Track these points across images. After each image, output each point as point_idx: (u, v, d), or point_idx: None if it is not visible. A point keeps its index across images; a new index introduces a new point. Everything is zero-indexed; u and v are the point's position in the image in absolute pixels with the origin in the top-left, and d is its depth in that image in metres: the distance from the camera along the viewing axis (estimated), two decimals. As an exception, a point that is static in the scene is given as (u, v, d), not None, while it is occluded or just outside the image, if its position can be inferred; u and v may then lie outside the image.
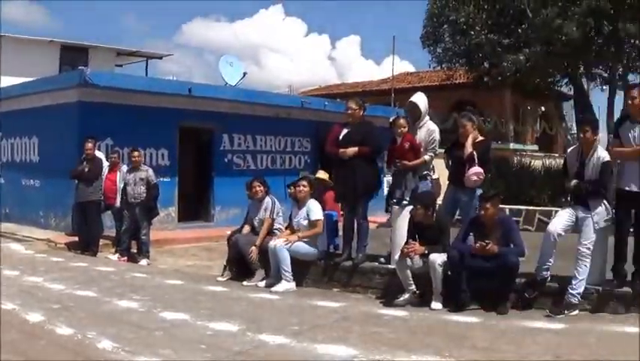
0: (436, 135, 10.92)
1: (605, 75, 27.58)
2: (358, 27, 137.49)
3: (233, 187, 17.04)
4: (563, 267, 9.46)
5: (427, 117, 11.10)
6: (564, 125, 37.44)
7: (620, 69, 26.28)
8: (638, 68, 26.51)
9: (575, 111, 28.20)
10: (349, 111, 11.18)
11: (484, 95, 33.62)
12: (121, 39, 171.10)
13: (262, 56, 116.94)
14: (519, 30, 24.57)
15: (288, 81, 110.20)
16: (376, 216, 15.22)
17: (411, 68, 55.80)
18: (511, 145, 37.03)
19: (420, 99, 11.06)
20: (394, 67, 35.84)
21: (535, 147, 40.02)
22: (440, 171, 11.26)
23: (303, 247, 11.29)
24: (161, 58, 37.86)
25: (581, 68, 26.72)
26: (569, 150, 9.99)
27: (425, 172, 10.82)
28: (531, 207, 16.19)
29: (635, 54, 25.75)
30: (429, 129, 10.93)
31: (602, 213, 9.24)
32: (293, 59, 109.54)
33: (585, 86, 28.79)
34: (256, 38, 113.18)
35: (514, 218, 15.76)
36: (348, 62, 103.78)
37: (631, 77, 26.86)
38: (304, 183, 11.63)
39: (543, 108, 41.27)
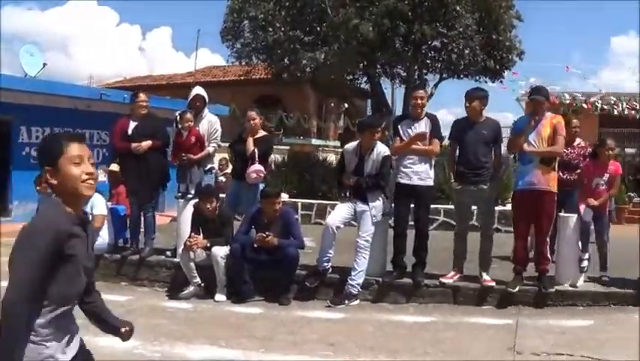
0: (218, 126, 11.06)
1: (404, 75, 28.29)
2: (170, 18, 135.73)
3: (31, 181, 16.56)
4: (349, 260, 9.71)
5: (207, 109, 11.19)
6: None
7: (417, 69, 27.03)
8: (436, 69, 27.33)
9: (372, 109, 28.90)
10: (144, 103, 11.05)
11: (289, 90, 34.00)
12: None
13: (72, 46, 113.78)
14: (319, 28, 24.92)
15: (97, 72, 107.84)
16: (171, 210, 15.17)
17: (222, 62, 55.69)
18: (313, 141, 37.66)
19: (204, 91, 11.21)
20: (204, 60, 35.83)
21: (338, 143, 40.76)
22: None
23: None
24: (-35, 47, 36.27)
25: (378, 68, 27.34)
26: (346, 146, 10.24)
27: (210, 166, 10.91)
28: (323, 202, 16.47)
29: (431, 55, 26.57)
30: (210, 120, 11.04)
31: (380, 206, 9.58)
32: (103, 49, 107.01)
33: (390, 85, 29.57)
34: (66, 28, 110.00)
35: (307, 212, 16.11)
36: (158, 54, 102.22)
37: (430, 77, 27.75)
38: None
39: (346, 105, 42.13)
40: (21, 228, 3.21)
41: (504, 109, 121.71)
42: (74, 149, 3.34)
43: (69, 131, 21.88)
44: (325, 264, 9.64)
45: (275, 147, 23.30)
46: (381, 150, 9.54)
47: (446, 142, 10.84)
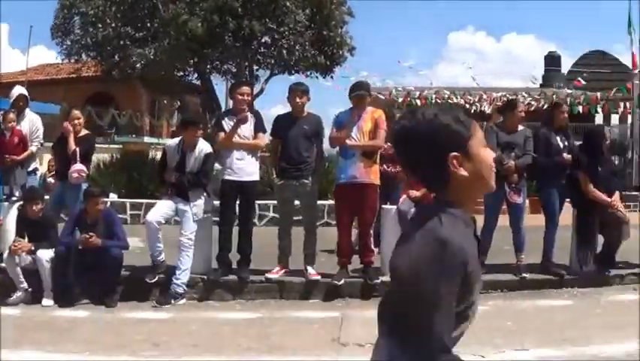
0: (39, 125, 10.99)
1: (235, 71, 28.31)
2: (7, 15, 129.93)
3: None
4: (175, 258, 9.73)
5: (28, 109, 11.04)
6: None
7: (247, 65, 27.11)
8: (267, 64, 27.49)
9: (202, 106, 28.86)
10: None
11: (120, 88, 33.50)
12: None
13: None
14: (150, 24, 24.75)
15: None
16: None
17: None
18: (146, 139, 37.21)
19: (25, 90, 11.17)
20: (40, 57, 34.72)
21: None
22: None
23: None
24: None
25: (209, 64, 27.28)
26: (168, 142, 10.30)
27: (34, 166, 10.77)
28: (152, 201, 16.26)
29: (262, 50, 26.72)
30: (32, 120, 10.95)
31: (201, 204, 9.73)
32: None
33: (221, 81, 29.59)
34: None
35: (136, 211, 15.95)
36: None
37: (261, 73, 27.93)
38: None
39: (179, 102, 41.77)
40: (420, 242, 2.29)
41: (334, 104, 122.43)
42: (476, 128, 2.46)
43: None
44: (159, 257, 9.69)
45: (107, 145, 22.96)
46: (204, 147, 9.68)
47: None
